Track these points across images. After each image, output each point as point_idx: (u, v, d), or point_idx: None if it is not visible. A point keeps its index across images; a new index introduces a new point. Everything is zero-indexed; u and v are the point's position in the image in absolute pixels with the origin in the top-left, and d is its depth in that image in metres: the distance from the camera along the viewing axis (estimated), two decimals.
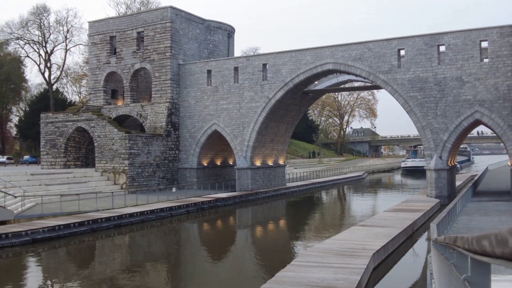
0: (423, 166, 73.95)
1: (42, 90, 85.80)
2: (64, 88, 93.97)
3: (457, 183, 46.52)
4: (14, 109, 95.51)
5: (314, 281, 13.07)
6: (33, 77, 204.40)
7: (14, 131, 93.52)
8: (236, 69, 47.18)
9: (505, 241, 0.93)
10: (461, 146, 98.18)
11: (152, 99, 49.90)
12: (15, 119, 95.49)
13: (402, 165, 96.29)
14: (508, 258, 0.92)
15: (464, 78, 37.03)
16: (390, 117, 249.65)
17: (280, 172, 53.28)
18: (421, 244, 24.01)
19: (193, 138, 49.09)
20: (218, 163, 52.75)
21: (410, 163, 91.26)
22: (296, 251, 23.14)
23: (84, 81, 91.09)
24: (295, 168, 74.80)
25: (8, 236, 22.73)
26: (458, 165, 56.08)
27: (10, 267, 20.56)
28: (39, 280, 18.56)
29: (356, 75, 43.67)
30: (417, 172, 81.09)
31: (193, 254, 23.80)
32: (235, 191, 45.50)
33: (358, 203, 47.25)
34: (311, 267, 14.87)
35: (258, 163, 48.04)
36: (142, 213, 31.00)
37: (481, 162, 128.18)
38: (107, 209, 31.32)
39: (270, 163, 50.60)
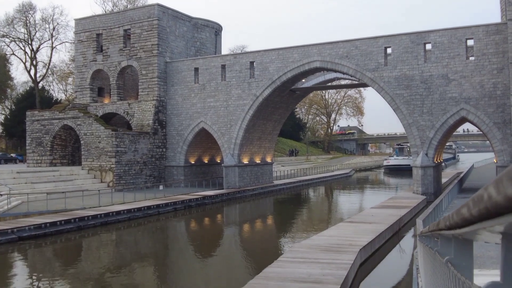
0: (406, 165, 74.35)
1: (28, 88, 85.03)
2: (50, 86, 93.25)
3: (443, 180, 46.85)
4: None
5: (301, 277, 13.12)
6: (19, 75, 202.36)
7: None
8: (223, 67, 47.13)
9: (480, 197, 0.95)
10: (447, 144, 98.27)
11: (139, 97, 49.69)
12: (0, 118, 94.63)
13: (385, 163, 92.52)
14: (484, 213, 0.94)
15: (450, 76, 37.31)
16: (377, 115, 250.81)
17: (268, 169, 53.33)
18: (407, 240, 24.18)
19: (180, 136, 48.97)
20: (206, 160, 52.68)
21: (393, 161, 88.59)
22: (284, 248, 23.21)
23: (70, 79, 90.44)
24: (283, 166, 74.94)
25: None
26: (443, 164, 56.12)
27: None
28: (25, 278, 18.44)
29: (343, 73, 43.78)
30: (400, 171, 79.82)
31: (180, 251, 23.76)
32: (223, 189, 45.50)
33: (345, 200, 47.45)
34: (298, 262, 14.92)
35: (245, 160, 48.05)
36: (129, 210, 30.89)
37: (467, 160, 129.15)
38: (94, 207, 31.16)
39: (257, 160, 50.63)
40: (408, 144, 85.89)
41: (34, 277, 18.40)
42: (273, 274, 13.60)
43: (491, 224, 0.98)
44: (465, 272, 2.50)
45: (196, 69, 48.34)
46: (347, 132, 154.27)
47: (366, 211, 29.46)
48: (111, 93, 51.28)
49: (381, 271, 18.26)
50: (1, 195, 29.78)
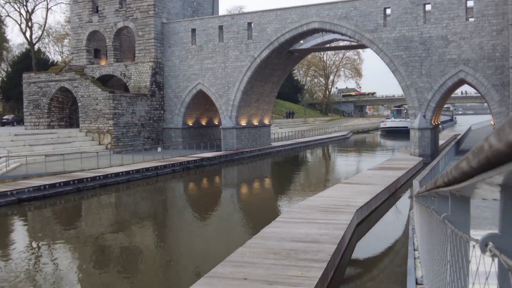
0: (403, 127, 74.14)
1: (23, 50, 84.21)
2: (46, 48, 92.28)
3: (440, 142, 46.99)
4: None
5: (298, 237, 13.29)
6: (14, 37, 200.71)
7: None
8: (220, 28, 46.62)
9: (481, 148, 0.96)
10: (445, 106, 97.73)
11: (135, 58, 49.29)
12: None
13: (381, 125, 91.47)
14: (484, 164, 0.96)
15: (449, 37, 37.00)
16: (375, 77, 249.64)
17: (266, 131, 53.39)
18: (404, 201, 24.41)
19: (178, 98, 48.80)
20: (204, 123, 52.65)
21: (390, 123, 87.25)
22: (281, 208, 23.43)
23: (66, 41, 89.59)
24: (280, 128, 74.98)
25: None
26: (441, 126, 55.77)
27: None
28: (25, 239, 18.65)
29: (342, 34, 43.40)
30: (397, 133, 78.82)
31: (179, 212, 23.99)
32: (221, 151, 45.63)
33: (343, 162, 47.68)
34: (295, 223, 15.09)
35: (243, 122, 48.04)
36: (127, 172, 31.02)
37: (464, 122, 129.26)
38: (93, 169, 31.27)
39: (255, 122, 50.63)
40: (406, 106, 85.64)
41: (34, 238, 18.60)
42: (271, 234, 13.77)
43: (491, 174, 0.99)
44: (462, 229, 2.54)
45: (193, 30, 47.81)
46: (367, 93, 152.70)
47: (363, 173, 29.65)
48: (108, 54, 50.83)
49: (377, 231, 18.50)
50: (0, 157, 29.82)
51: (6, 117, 69.59)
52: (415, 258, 10.01)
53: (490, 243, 1.46)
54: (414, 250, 10.89)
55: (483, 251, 1.49)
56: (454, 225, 2.55)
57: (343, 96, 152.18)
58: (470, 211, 2.62)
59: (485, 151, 0.93)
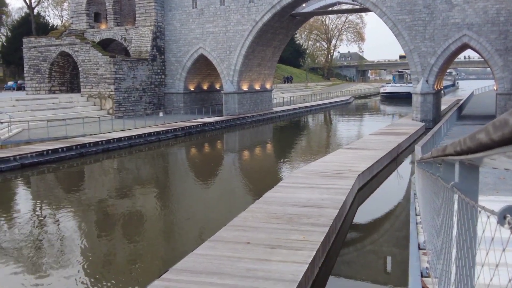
0: (403, 92, 73.61)
1: (23, 15, 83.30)
2: (45, 12, 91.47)
3: (442, 107, 46.86)
4: None
5: (300, 201, 13.38)
6: (14, 1, 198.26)
7: None
8: None
9: (505, 122, 0.95)
10: (447, 71, 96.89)
11: (136, 22, 48.78)
12: None
13: (381, 90, 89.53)
14: (508, 138, 0.95)
15: (453, 1, 36.51)
16: (378, 42, 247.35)
17: (267, 96, 53.24)
18: (405, 166, 24.50)
19: (179, 62, 48.49)
20: (205, 87, 52.45)
21: (390, 88, 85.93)
22: (283, 173, 23.53)
23: (65, 5, 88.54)
24: (282, 93, 74.74)
25: None
26: (442, 91, 55.26)
27: None
28: (29, 204, 18.80)
29: None
30: (397, 98, 78.25)
31: (181, 178, 24.11)
32: (222, 116, 45.58)
33: (344, 127, 47.66)
34: (297, 188, 15.17)
35: (245, 87, 47.85)
36: (129, 137, 31.07)
37: (467, 87, 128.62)
38: (95, 134, 31.33)
39: (257, 87, 50.43)
40: (408, 71, 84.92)
41: (37, 203, 18.75)
42: (273, 198, 13.86)
43: None
44: (471, 196, 2.54)
45: None
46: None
47: (365, 138, 29.66)
48: (108, 18, 50.30)
49: (379, 196, 18.61)
50: (2, 123, 29.82)
51: (10, 83, 69.28)
52: (417, 223, 10.09)
53: (509, 216, 1.46)
54: (416, 215, 10.96)
55: (502, 223, 1.49)
56: (463, 193, 2.55)
57: None
58: (478, 179, 2.63)
59: (510, 125, 0.92)
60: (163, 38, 48.63)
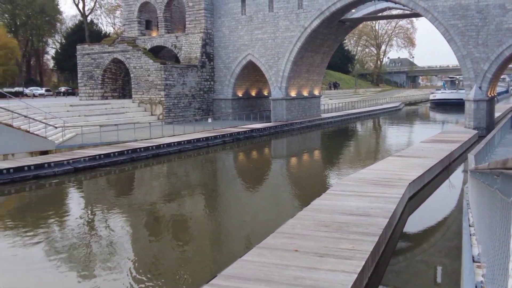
0: (455, 99, 71.55)
1: (77, 22, 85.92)
2: (98, 19, 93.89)
3: (496, 114, 45.51)
4: (50, 41, 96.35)
5: (349, 209, 13.23)
6: (68, 8, 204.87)
7: (51, 64, 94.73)
8: None
9: None
10: (501, 77, 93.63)
11: (186, 29, 49.52)
12: (51, 51, 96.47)
13: (431, 97, 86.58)
14: None
15: (507, 5, 35.47)
16: (429, 47, 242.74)
17: (315, 102, 53.03)
18: (457, 175, 23.91)
19: (228, 68, 48.90)
20: (253, 94, 52.69)
21: (440, 95, 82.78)
22: (332, 181, 23.34)
23: (118, 12, 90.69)
24: (330, 99, 74.28)
25: (51, 166, 23.45)
26: (496, 98, 53.43)
27: (53, 195, 21.37)
28: (81, 207, 19.29)
29: (395, 3, 42.28)
30: (447, 105, 75.81)
31: (229, 183, 24.24)
32: (270, 122, 45.64)
33: (394, 134, 46.90)
34: (346, 196, 15.01)
35: (293, 93, 47.82)
36: (179, 143, 31.50)
37: None
38: (145, 139, 31.91)
39: (305, 93, 50.31)
40: (459, 77, 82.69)
41: (89, 206, 19.22)
42: (321, 206, 13.76)
43: None
44: None
45: (243, 0, 47.53)
46: None
47: (415, 145, 29.10)
48: (159, 26, 51.24)
49: (430, 205, 18.20)
50: (56, 127, 30.73)
51: (61, 88, 72.02)
52: (470, 235, 9.80)
53: None
54: (469, 226, 10.66)
55: None
56: None
57: None
58: None
59: None
60: (212, 44, 49.17)
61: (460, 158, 26.85)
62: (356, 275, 8.50)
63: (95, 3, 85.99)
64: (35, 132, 27.31)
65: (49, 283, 11.36)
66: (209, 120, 45.32)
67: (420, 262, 12.29)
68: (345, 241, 10.49)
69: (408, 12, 47.85)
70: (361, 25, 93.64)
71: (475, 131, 35.42)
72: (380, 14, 56.24)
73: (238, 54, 48.20)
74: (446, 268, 11.67)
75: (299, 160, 31.92)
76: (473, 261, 7.79)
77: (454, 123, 51.72)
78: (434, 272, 11.67)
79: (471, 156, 17.86)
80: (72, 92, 66.99)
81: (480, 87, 36.87)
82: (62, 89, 71.12)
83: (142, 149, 28.52)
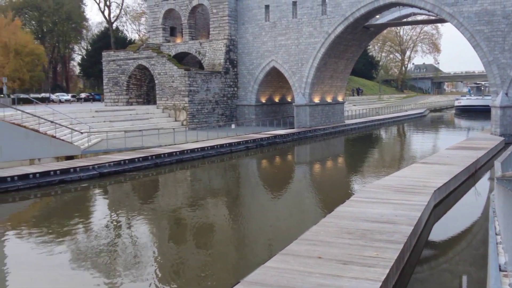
0: (481, 105, 70.56)
1: (102, 29, 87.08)
2: (123, 26, 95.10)
3: None
4: (76, 48, 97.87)
5: (373, 217, 13.15)
6: (93, 16, 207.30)
7: (77, 70, 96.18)
8: (294, 3, 46.20)
9: None
10: None
11: (210, 36, 49.83)
12: (77, 58, 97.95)
13: (456, 103, 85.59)
14: None
15: None
16: (454, 53, 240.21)
17: (339, 109, 52.82)
18: (484, 183, 23.56)
19: (251, 75, 49.05)
20: (276, 100, 52.72)
21: (465, 101, 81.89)
22: (355, 188, 23.20)
23: (143, 19, 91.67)
24: (354, 105, 73.93)
25: (77, 170, 23.77)
26: None
27: (79, 199, 21.63)
28: (106, 212, 19.50)
29: (420, 8, 41.97)
30: (472, 112, 74.94)
31: (252, 189, 24.26)
32: (294, 128, 45.59)
33: (419, 141, 46.45)
34: (370, 203, 14.92)
35: (316, 100, 47.72)
36: (202, 149, 31.65)
37: None
38: (169, 145, 32.15)
39: (328, 100, 50.16)
40: (485, 83, 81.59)
41: (114, 211, 19.41)
42: (345, 213, 13.70)
43: None
44: None
45: (267, 7, 47.67)
46: None
47: (440, 152, 28.79)
48: (183, 32, 51.65)
49: (455, 213, 17.97)
50: (82, 133, 31.14)
51: (82, 94, 73.20)
52: (497, 243, 9.65)
53: None
54: (496, 234, 10.49)
55: None
56: None
57: None
58: None
59: None
60: (236, 51, 49.38)
61: (486, 165, 26.47)
62: (380, 283, 8.44)
63: (120, 10, 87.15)
64: (61, 138, 27.73)
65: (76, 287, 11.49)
66: (233, 126, 45.46)
67: (445, 270, 12.14)
68: (369, 248, 10.42)
69: (433, 17, 47.47)
70: (385, 31, 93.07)
71: (502, 138, 34.91)
72: (405, 20, 55.89)
73: (261, 60, 48.32)
74: (472, 277, 11.50)
75: (322, 167, 31.81)
76: (500, 270, 7.67)
77: (479, 129, 51.06)
78: (459, 281, 11.50)
79: (497, 163, 17.58)
80: (93, 98, 67.79)
81: (506, 93, 36.36)
82: (83, 95, 72.04)
83: (166, 154, 28.73)
